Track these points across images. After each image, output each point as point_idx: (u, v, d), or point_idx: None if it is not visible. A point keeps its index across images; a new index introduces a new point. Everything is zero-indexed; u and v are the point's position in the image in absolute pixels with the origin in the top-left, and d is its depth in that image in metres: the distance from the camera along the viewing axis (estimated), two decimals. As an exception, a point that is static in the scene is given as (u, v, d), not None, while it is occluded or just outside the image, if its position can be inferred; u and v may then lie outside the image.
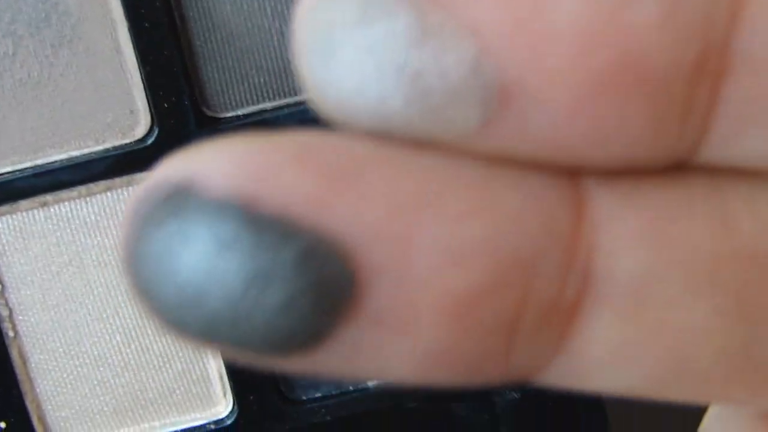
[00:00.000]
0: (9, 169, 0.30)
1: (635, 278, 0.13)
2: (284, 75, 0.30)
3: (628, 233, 0.13)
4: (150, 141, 0.30)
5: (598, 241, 0.13)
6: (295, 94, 0.30)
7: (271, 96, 0.30)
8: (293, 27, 0.13)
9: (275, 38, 0.30)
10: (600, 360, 0.13)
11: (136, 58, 0.29)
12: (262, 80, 0.30)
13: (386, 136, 0.13)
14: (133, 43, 0.29)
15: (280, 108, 0.30)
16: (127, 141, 0.30)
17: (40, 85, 0.30)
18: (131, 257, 0.12)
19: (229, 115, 0.30)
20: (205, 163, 0.12)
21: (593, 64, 0.12)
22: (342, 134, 0.13)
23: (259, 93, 0.30)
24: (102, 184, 0.30)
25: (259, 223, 0.12)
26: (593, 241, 0.13)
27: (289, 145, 0.12)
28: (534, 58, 0.12)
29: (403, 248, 0.12)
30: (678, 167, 0.13)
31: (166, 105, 0.30)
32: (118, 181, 0.30)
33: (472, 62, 0.12)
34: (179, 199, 0.12)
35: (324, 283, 0.12)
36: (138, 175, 0.30)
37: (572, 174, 0.13)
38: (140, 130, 0.30)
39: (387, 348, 0.12)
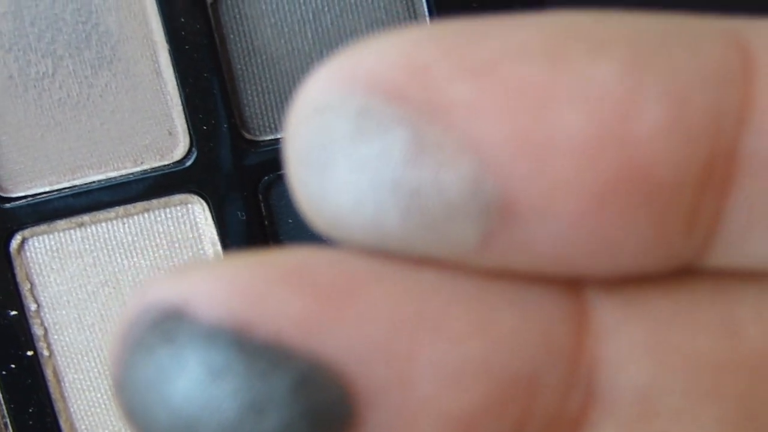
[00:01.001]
0: (47, 189, 0.30)
1: (639, 389, 0.12)
2: (324, 99, 0.30)
3: (631, 343, 0.12)
4: (188, 163, 0.30)
5: (600, 352, 0.12)
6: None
7: (311, 120, 0.30)
8: (285, 135, 0.12)
9: (316, 62, 0.30)
10: None
11: (176, 80, 0.29)
12: (301, 104, 0.30)
13: (382, 251, 0.12)
14: (173, 65, 0.29)
15: (319, 132, 0.30)
16: (165, 162, 0.30)
17: (79, 105, 0.30)
18: (121, 382, 0.12)
19: (268, 138, 0.30)
20: (196, 287, 0.11)
21: (597, 175, 0.11)
22: (336, 250, 0.12)
23: (299, 117, 0.30)
24: (139, 205, 0.30)
25: (251, 349, 0.11)
26: (596, 353, 0.12)
27: (281, 264, 0.12)
28: (536, 171, 0.11)
29: (402, 371, 0.12)
30: (682, 271, 0.13)
31: (204, 127, 0.30)
32: (155, 202, 0.30)
33: (472, 178, 0.11)
34: (170, 325, 0.11)
35: (321, 409, 0.11)
36: (176, 197, 0.30)
37: (572, 284, 0.13)
38: (179, 151, 0.30)
39: None
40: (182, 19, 0.29)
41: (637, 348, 0.12)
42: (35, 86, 0.30)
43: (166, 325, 0.11)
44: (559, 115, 0.11)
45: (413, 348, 0.12)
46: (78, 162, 0.30)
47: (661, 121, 0.11)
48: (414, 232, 0.12)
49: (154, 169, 0.30)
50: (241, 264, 0.12)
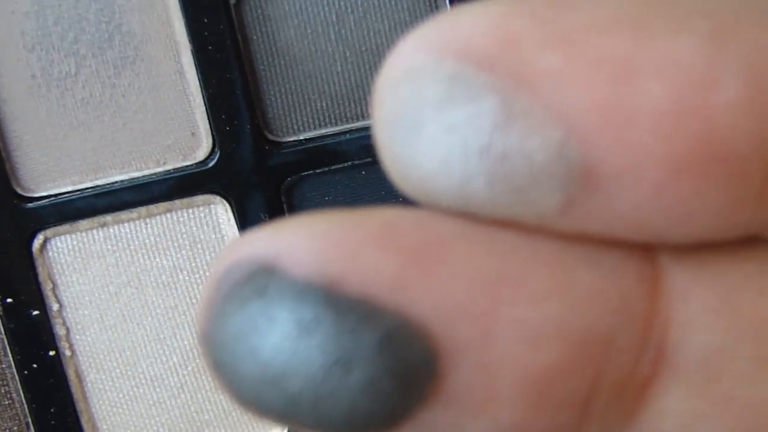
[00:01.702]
0: (69, 188, 0.30)
1: (708, 352, 0.13)
2: (347, 100, 0.30)
3: (701, 308, 0.13)
4: (211, 164, 0.30)
5: (672, 316, 0.13)
6: (357, 120, 0.30)
7: (333, 121, 0.30)
8: (374, 98, 0.12)
9: (339, 63, 0.30)
10: None
11: (199, 81, 0.29)
12: (324, 105, 0.30)
13: (467, 213, 0.12)
14: (196, 66, 0.29)
15: (342, 133, 0.30)
16: (188, 163, 0.30)
17: (101, 105, 0.30)
18: (210, 334, 0.12)
19: (291, 139, 0.30)
20: (287, 243, 0.12)
21: (677, 145, 0.12)
22: (422, 211, 0.12)
23: (322, 118, 0.30)
24: (162, 205, 0.30)
25: (341, 305, 0.12)
26: (668, 316, 0.13)
27: (371, 223, 0.12)
28: (618, 140, 0.12)
29: (484, 328, 0.12)
30: (751, 240, 0.13)
31: (227, 128, 0.29)
32: (178, 202, 0.30)
33: (558, 145, 0.12)
34: (262, 280, 0.12)
35: (406, 365, 0.12)
36: (198, 197, 0.30)
37: (646, 248, 0.13)
38: (201, 152, 0.30)
39: (464, 426, 0.12)
40: (205, 20, 0.29)
41: (706, 312, 0.13)
42: (58, 86, 0.29)
43: (258, 279, 0.12)
44: (642, 86, 0.12)
45: (495, 307, 0.12)
46: (100, 162, 0.30)
47: (739, 94, 0.12)
48: (499, 196, 0.12)
49: (176, 170, 0.30)
50: (332, 222, 0.12)
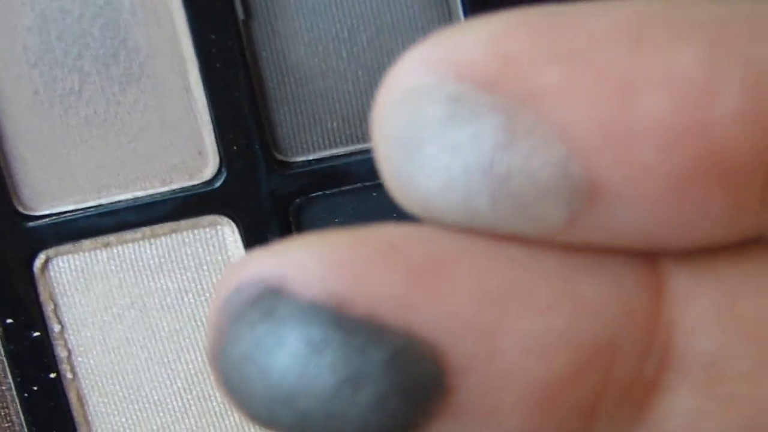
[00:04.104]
0: (72, 207, 0.29)
1: (711, 354, 0.13)
2: (357, 121, 0.29)
3: (703, 311, 0.13)
4: (218, 184, 0.29)
5: (675, 320, 0.13)
6: (369, 141, 0.29)
7: (344, 141, 0.29)
8: (374, 118, 0.13)
9: (350, 83, 0.29)
10: None
11: (206, 99, 0.28)
12: (335, 125, 0.29)
13: (470, 229, 0.13)
14: (203, 83, 0.28)
15: (353, 154, 0.29)
16: (194, 183, 0.29)
17: (106, 123, 0.29)
18: (219, 355, 0.12)
19: (300, 159, 0.29)
20: (293, 264, 0.12)
21: (679, 159, 0.12)
22: (425, 228, 0.13)
23: (332, 138, 0.29)
24: (167, 226, 0.29)
25: (349, 325, 0.12)
26: (671, 320, 0.13)
27: (375, 242, 0.12)
28: (620, 156, 0.12)
29: (491, 343, 0.12)
30: (750, 242, 0.13)
31: (235, 147, 0.29)
32: (183, 223, 0.29)
33: (561, 163, 0.12)
34: (269, 301, 0.12)
35: (414, 381, 0.12)
36: (205, 218, 0.29)
37: (648, 254, 0.13)
38: (208, 172, 0.29)
39: None
40: (213, 36, 0.28)
41: (709, 315, 0.13)
42: (61, 102, 0.29)
43: (266, 301, 0.12)
44: (643, 102, 0.12)
45: (501, 320, 0.12)
46: (104, 181, 0.29)
47: (739, 106, 0.12)
48: (503, 214, 0.12)
49: (182, 189, 0.29)
50: (337, 242, 0.12)
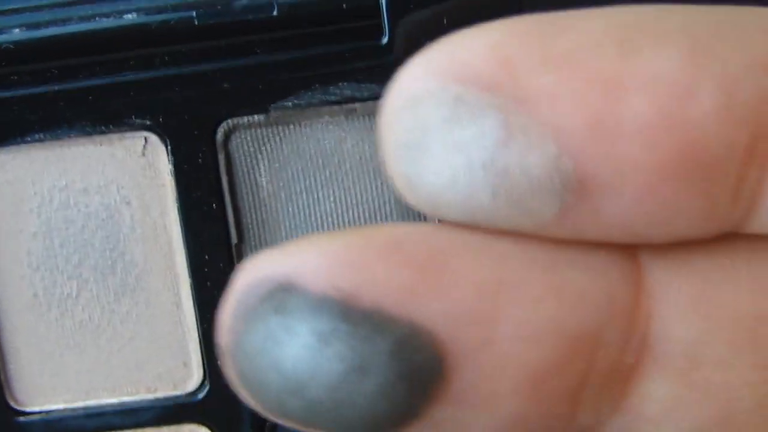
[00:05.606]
0: (61, 407, 0.30)
1: (687, 342, 0.14)
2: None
3: (680, 300, 0.14)
4: (201, 395, 0.30)
5: (653, 310, 0.14)
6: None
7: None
8: (381, 123, 0.14)
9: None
10: (654, 417, 0.14)
11: (195, 314, 0.29)
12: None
13: (468, 224, 0.14)
14: (193, 300, 0.29)
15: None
16: (178, 393, 0.30)
17: (99, 329, 0.30)
18: (233, 350, 0.13)
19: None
20: (302, 261, 0.13)
21: (661, 154, 0.13)
22: (426, 225, 0.14)
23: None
24: (149, 431, 0.30)
25: (355, 317, 0.13)
26: (650, 310, 0.14)
27: (379, 239, 0.13)
28: (607, 153, 0.13)
29: (486, 331, 0.13)
30: (725, 236, 0.14)
31: (219, 363, 0.29)
32: (165, 429, 0.30)
33: (553, 159, 0.13)
34: (280, 297, 0.13)
35: (416, 369, 0.13)
36: (186, 426, 0.30)
37: (630, 249, 0.14)
38: (192, 383, 0.30)
39: (469, 420, 0.14)
40: (206, 257, 0.29)
41: (685, 305, 0.14)
42: (59, 306, 0.30)
43: (277, 296, 0.13)
44: (627, 101, 0.13)
45: (496, 311, 0.13)
46: (93, 384, 0.30)
47: (714, 104, 0.13)
48: (501, 207, 0.13)
49: (166, 398, 0.30)
50: (343, 240, 0.13)
